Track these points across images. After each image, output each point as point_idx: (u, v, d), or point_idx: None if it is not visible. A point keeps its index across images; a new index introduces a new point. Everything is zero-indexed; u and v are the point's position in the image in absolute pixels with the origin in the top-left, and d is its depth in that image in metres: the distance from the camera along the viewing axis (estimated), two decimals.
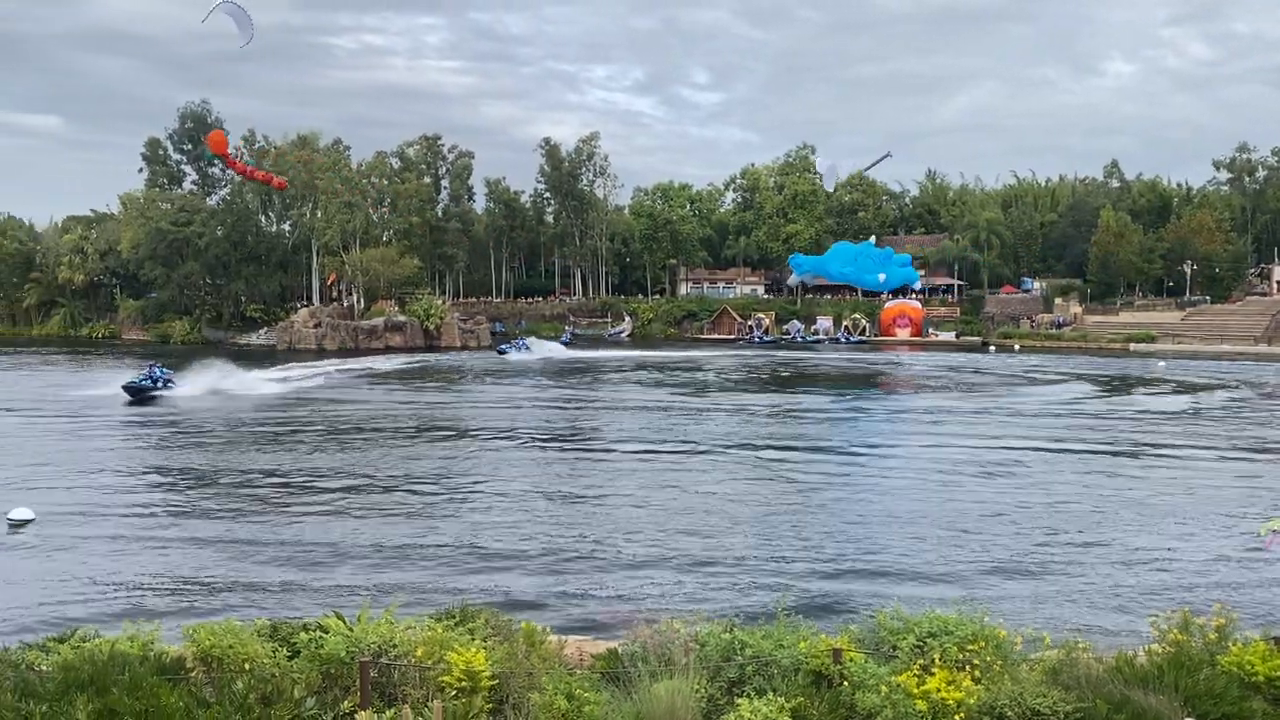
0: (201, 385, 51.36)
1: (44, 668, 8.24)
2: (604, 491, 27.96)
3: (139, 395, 48.47)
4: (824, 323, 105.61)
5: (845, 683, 8.36)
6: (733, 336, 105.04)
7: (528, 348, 76.55)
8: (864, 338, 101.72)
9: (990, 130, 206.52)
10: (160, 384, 49.82)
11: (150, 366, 52.28)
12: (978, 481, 29.08)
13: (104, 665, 7.41)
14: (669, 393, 54.39)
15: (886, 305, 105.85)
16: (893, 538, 22.51)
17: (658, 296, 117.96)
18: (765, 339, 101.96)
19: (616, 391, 55.69)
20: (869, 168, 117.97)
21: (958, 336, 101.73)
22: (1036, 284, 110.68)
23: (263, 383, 54.73)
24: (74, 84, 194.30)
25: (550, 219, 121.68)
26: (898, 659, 8.82)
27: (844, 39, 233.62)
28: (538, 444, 36.79)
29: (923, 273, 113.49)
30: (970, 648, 8.69)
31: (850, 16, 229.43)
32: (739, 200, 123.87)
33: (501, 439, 37.80)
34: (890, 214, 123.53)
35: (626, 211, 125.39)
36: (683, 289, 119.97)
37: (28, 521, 23.32)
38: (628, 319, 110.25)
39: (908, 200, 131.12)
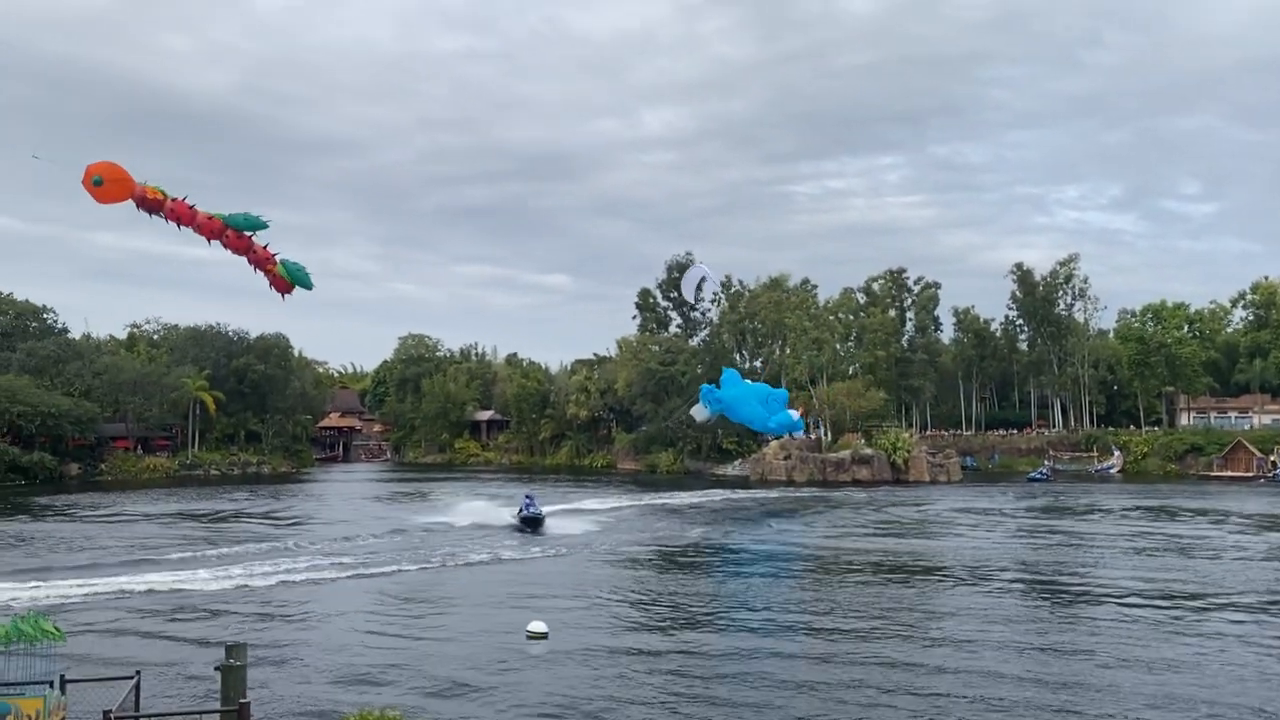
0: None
1: None
2: (1094, 648, 25.07)
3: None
4: None
5: None
6: (1250, 474, 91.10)
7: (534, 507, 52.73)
8: None
9: None
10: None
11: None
12: None
13: None
14: (1177, 533, 48.09)
15: None
16: None
17: (1153, 428, 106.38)
18: None
19: (1112, 528, 50.35)
20: None
21: None
22: None
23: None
24: (581, 246, 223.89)
25: (1024, 346, 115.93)
26: None
27: None
28: (1015, 586, 34.17)
29: None
30: None
31: None
32: (1250, 318, 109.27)
33: (972, 579, 35.64)
34: None
35: (1111, 335, 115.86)
36: (1183, 419, 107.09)
37: (543, 635, 26.04)
38: (1117, 453, 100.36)
39: None
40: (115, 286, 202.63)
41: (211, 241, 16.46)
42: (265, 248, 16.79)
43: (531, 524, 49.79)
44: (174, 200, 15.99)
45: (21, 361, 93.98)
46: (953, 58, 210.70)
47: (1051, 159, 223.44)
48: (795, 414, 30.53)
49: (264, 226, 16.84)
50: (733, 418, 29.03)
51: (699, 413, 30.31)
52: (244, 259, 16.78)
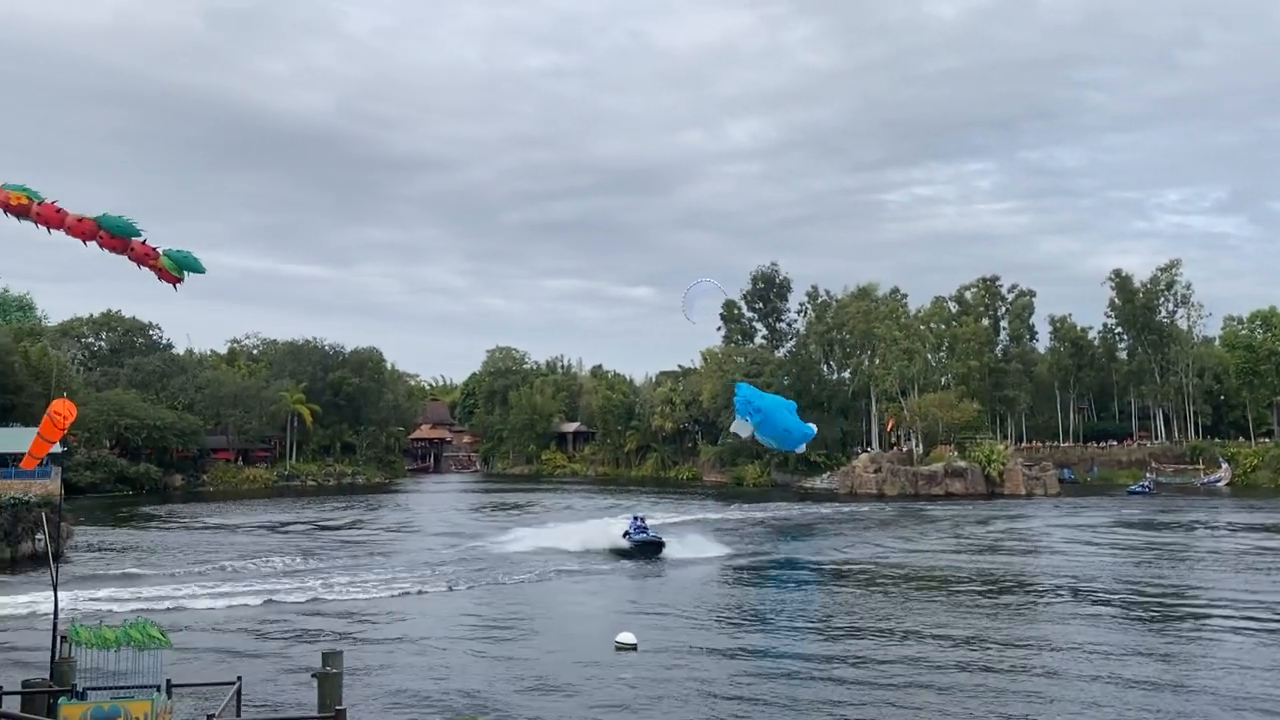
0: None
1: None
2: (1204, 667, 23.96)
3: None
4: None
5: None
6: None
7: (646, 530, 47.02)
8: None
9: None
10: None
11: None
12: None
13: None
14: None
15: None
16: None
17: (1264, 440, 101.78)
18: None
19: (1221, 544, 48.23)
20: None
21: None
22: None
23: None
24: (665, 258, 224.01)
25: (1123, 355, 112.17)
26: None
27: None
28: (1118, 604, 32.91)
29: None
30: None
31: None
32: None
33: (1072, 597, 34.45)
34: None
35: (1217, 343, 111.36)
36: None
37: (632, 646, 26.01)
38: (1225, 465, 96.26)
39: None
40: (217, 304, 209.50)
41: (88, 243, 15.79)
42: (144, 243, 16.02)
43: (649, 550, 44.09)
44: (41, 204, 15.34)
45: (129, 376, 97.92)
46: (1044, 61, 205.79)
47: (1151, 162, 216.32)
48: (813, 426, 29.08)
49: (137, 235, 15.99)
50: (769, 430, 27.01)
51: (743, 429, 28.65)
52: (124, 257, 15.93)
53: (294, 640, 27.67)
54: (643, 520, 48.17)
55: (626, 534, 46.44)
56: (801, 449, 29.67)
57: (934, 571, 41.04)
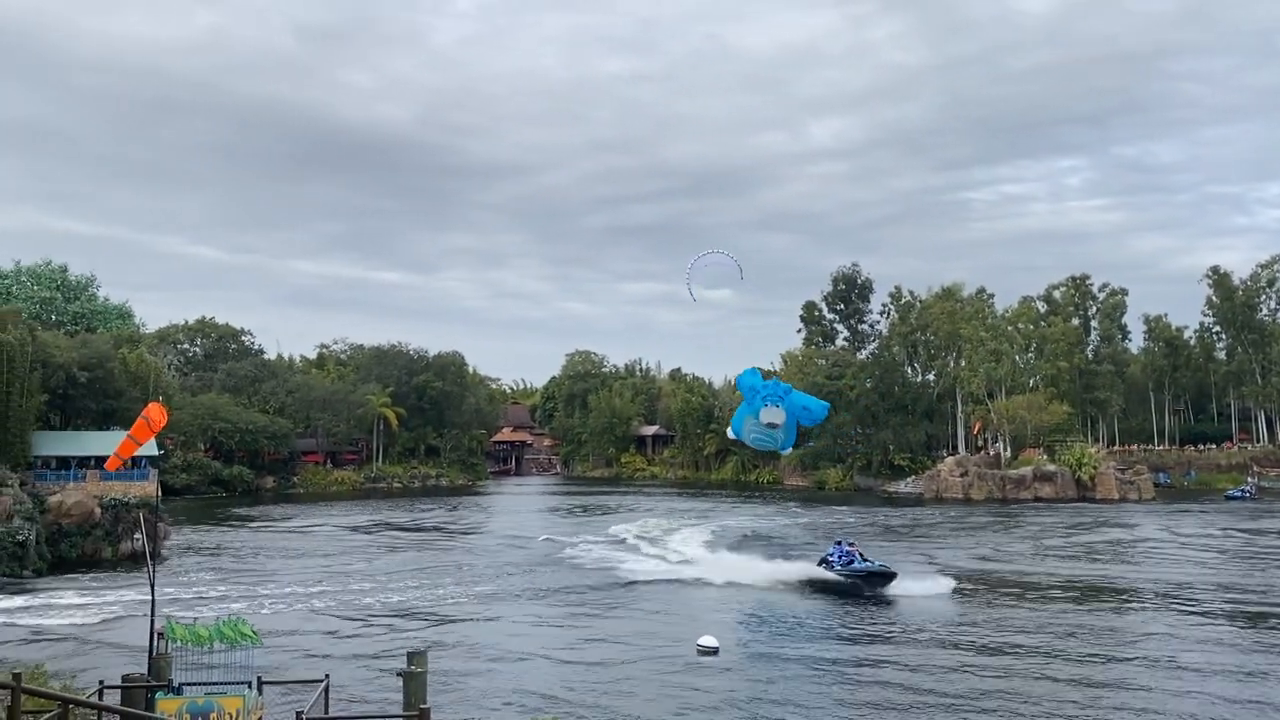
0: None
1: None
2: None
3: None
4: None
5: None
6: None
7: (859, 556, 38.04)
8: None
9: None
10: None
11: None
12: None
13: None
14: None
15: None
16: None
17: None
18: None
19: None
20: None
21: None
22: None
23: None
24: (745, 260, 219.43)
25: (1221, 355, 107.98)
26: None
27: None
28: (1221, 614, 31.61)
29: None
30: None
31: None
32: None
33: (1171, 605, 33.18)
34: None
35: None
36: None
37: (714, 649, 25.83)
38: None
39: None
40: (306, 310, 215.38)
41: None
42: None
43: (875, 582, 35.86)
44: None
45: (222, 381, 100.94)
46: (1139, 53, 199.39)
47: (1252, 155, 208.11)
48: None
49: None
50: (790, 414, 24.71)
51: (776, 415, 26.11)
52: None
53: (381, 639, 28.13)
54: (853, 545, 39.23)
55: (825, 561, 38.39)
56: (788, 451, 28.14)
57: (1025, 578, 39.91)
